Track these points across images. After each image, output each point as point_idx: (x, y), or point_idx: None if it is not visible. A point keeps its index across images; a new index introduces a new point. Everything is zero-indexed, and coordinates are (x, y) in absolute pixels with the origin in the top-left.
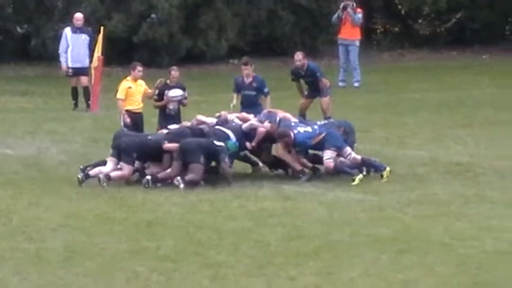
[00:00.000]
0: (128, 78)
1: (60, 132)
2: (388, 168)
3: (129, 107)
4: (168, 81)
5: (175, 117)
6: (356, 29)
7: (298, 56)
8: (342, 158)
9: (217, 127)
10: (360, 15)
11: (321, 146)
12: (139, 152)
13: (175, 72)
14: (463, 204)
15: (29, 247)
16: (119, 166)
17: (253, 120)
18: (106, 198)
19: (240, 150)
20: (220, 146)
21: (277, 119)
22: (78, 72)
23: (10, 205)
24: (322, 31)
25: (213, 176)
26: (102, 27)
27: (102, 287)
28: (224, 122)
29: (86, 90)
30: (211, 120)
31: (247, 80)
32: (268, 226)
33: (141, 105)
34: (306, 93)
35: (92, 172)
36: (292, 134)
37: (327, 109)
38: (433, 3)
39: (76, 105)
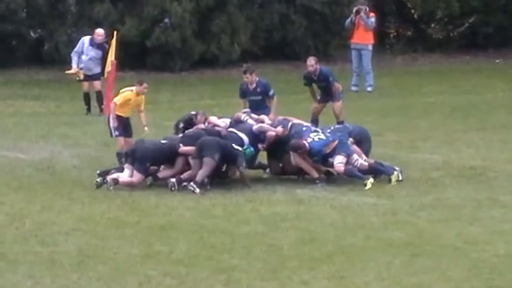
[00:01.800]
0: (133, 89)
1: (72, 137)
2: (396, 172)
3: (120, 113)
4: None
5: None
6: (369, 33)
7: (311, 61)
8: (350, 166)
9: (231, 129)
10: (372, 20)
11: (333, 153)
12: (154, 160)
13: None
14: (476, 208)
15: (42, 251)
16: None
17: (265, 122)
18: (119, 202)
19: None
20: (238, 150)
21: (289, 124)
22: (91, 77)
23: (23, 209)
24: (334, 35)
25: (226, 180)
26: (115, 32)
27: None
28: (238, 122)
29: (99, 94)
30: (225, 121)
31: (251, 86)
32: (281, 230)
33: (131, 113)
34: (318, 97)
35: (109, 178)
36: (306, 144)
37: (340, 113)
38: (446, 8)
39: (89, 110)
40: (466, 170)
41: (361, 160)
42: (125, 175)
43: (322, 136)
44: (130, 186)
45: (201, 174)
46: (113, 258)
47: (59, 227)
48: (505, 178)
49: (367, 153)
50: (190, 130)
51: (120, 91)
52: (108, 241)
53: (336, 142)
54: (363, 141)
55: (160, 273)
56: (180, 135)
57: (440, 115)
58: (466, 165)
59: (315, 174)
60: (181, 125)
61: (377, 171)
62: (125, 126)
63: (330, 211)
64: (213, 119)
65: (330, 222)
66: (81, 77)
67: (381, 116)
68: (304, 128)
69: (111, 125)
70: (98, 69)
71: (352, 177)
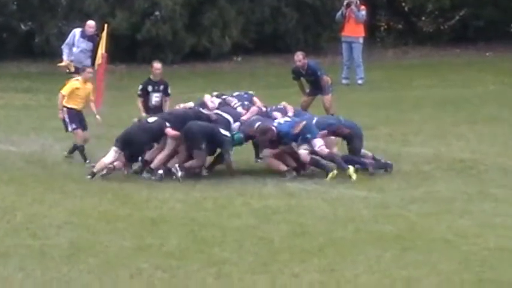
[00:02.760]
0: (78, 78)
1: (63, 130)
2: (335, 171)
3: (72, 105)
4: (151, 77)
5: (159, 109)
6: (360, 26)
7: (299, 56)
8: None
9: (217, 111)
10: (363, 13)
11: (299, 136)
12: (147, 143)
13: (157, 64)
14: (467, 201)
15: (33, 244)
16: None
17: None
18: (110, 196)
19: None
20: (226, 135)
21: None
22: (80, 70)
23: (14, 202)
24: (325, 28)
25: (216, 173)
26: (105, 25)
27: (106, 284)
28: (225, 105)
29: None
30: (214, 102)
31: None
32: (272, 223)
33: (83, 105)
34: (307, 90)
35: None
36: (273, 128)
37: (330, 107)
38: (437, 1)
39: None
40: (456, 163)
41: (323, 147)
42: (109, 158)
43: (288, 118)
44: (110, 169)
45: (189, 164)
46: (104, 251)
47: (50, 220)
48: (495, 171)
49: (359, 150)
50: (178, 109)
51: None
52: (100, 234)
53: (303, 123)
54: (354, 137)
55: (152, 266)
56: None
57: (431, 108)
58: (456, 158)
59: (283, 168)
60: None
61: (334, 162)
62: (80, 119)
63: (321, 204)
64: (206, 97)
65: (321, 215)
66: (72, 69)
67: (372, 109)
68: (270, 113)
69: (60, 116)
70: (88, 62)
71: (317, 167)
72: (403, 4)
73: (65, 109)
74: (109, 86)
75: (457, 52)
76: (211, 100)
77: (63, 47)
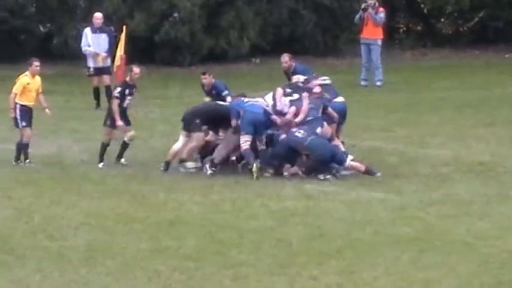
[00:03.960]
0: (27, 73)
1: (81, 131)
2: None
3: (25, 102)
4: (128, 80)
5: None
6: (378, 28)
7: (284, 57)
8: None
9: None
10: (382, 15)
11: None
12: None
13: (136, 69)
14: (485, 203)
15: (51, 245)
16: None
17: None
18: (127, 197)
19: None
20: (224, 105)
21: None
22: (101, 71)
23: (32, 204)
24: (344, 30)
25: (234, 175)
26: (124, 26)
27: (123, 286)
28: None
29: (108, 89)
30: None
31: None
32: (290, 225)
33: (34, 100)
34: None
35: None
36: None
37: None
38: (456, 2)
39: (98, 104)
40: (475, 165)
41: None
42: (179, 144)
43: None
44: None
45: (191, 148)
46: (121, 253)
47: (68, 222)
48: None
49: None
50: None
51: (16, 80)
52: (117, 236)
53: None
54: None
55: (169, 268)
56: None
57: (450, 110)
58: (475, 160)
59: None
60: None
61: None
62: (30, 117)
63: (339, 206)
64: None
65: (339, 217)
66: (101, 60)
67: (390, 111)
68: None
69: (12, 115)
70: (107, 60)
71: (245, 158)
72: (422, 6)
73: (17, 105)
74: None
75: (476, 54)
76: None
77: (83, 50)
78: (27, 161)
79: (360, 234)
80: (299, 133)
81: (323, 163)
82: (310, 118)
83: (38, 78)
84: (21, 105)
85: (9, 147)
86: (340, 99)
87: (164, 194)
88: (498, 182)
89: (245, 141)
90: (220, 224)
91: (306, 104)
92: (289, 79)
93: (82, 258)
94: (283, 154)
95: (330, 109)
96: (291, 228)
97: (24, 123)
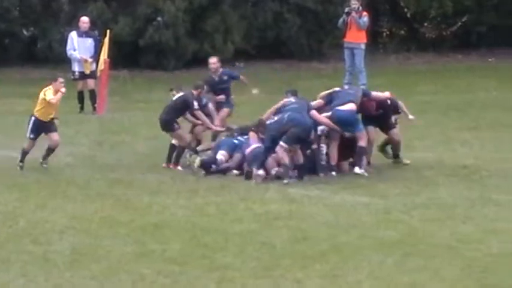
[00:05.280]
0: (50, 87)
1: (66, 135)
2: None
3: (41, 118)
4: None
5: None
6: (362, 32)
7: (213, 59)
8: None
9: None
10: (365, 19)
11: None
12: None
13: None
14: (469, 207)
15: (36, 250)
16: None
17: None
18: (112, 201)
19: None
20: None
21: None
22: (86, 75)
23: (17, 208)
24: (328, 34)
25: (219, 179)
26: (108, 31)
27: None
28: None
29: (93, 93)
30: None
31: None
32: (274, 229)
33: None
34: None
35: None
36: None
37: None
38: (439, 7)
39: (82, 108)
40: (459, 169)
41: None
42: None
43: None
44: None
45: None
46: (106, 257)
47: (53, 226)
48: (498, 177)
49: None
50: None
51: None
52: (102, 240)
53: None
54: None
55: (154, 272)
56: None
57: (435, 114)
58: (459, 164)
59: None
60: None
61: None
62: (40, 131)
63: (323, 210)
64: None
65: (323, 221)
66: (88, 65)
67: None
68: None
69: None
70: (92, 65)
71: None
72: (406, 10)
73: (33, 117)
74: (111, 91)
75: (459, 58)
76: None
77: (69, 54)
78: (21, 164)
79: (344, 237)
80: (272, 119)
81: (303, 132)
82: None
83: (59, 95)
84: (36, 119)
85: None
86: (344, 107)
87: (149, 197)
88: (482, 186)
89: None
90: (204, 227)
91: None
92: (213, 85)
93: (67, 262)
94: (271, 146)
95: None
96: (275, 231)
97: (32, 136)
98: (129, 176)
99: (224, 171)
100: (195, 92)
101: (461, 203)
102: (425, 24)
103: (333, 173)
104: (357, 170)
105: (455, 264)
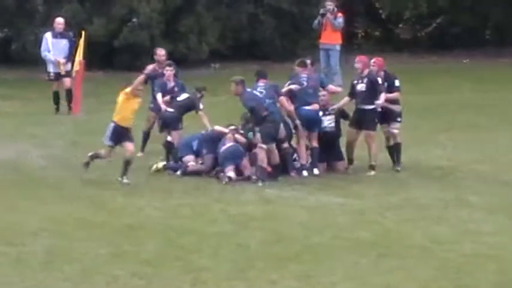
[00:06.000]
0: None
1: (40, 136)
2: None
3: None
4: None
5: None
6: (337, 33)
7: (162, 51)
8: None
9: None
10: (340, 20)
11: None
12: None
13: None
14: (443, 208)
15: (9, 251)
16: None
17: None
18: (86, 202)
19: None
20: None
21: None
22: (61, 75)
23: None
24: (303, 35)
25: (194, 181)
26: (83, 32)
27: None
28: None
29: (69, 92)
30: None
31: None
32: (249, 230)
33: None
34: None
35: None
36: None
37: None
38: (414, 8)
39: (57, 109)
40: (433, 170)
41: None
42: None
43: None
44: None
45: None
46: (80, 258)
47: (26, 228)
48: (472, 178)
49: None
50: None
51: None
52: (76, 241)
53: None
54: None
55: (128, 274)
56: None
57: (409, 115)
58: (433, 165)
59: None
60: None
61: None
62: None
63: (298, 211)
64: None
65: (298, 221)
66: (62, 67)
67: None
68: None
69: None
70: (68, 65)
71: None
72: (381, 11)
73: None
74: (86, 92)
75: (434, 59)
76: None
77: (43, 55)
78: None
79: (319, 238)
80: (259, 92)
81: (275, 131)
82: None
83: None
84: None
85: None
86: (310, 106)
87: (123, 198)
88: (455, 187)
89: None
90: (179, 229)
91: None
92: (164, 89)
93: (41, 263)
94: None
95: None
96: (250, 233)
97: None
98: (104, 177)
99: (195, 173)
100: (198, 94)
101: (435, 204)
102: (400, 25)
103: (304, 172)
104: (315, 171)
105: (429, 264)
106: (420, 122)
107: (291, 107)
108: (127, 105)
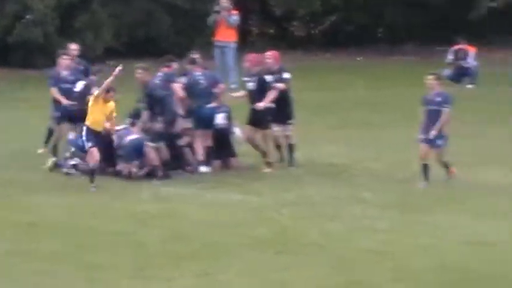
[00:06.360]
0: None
1: None
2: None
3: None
4: None
5: None
6: (231, 30)
7: (73, 45)
8: None
9: None
10: (235, 17)
11: None
12: None
13: None
14: (337, 205)
15: None
16: None
17: None
18: None
19: None
20: None
21: None
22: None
23: None
24: (199, 33)
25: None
26: None
27: None
28: None
29: None
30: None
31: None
32: (147, 228)
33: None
34: None
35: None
36: None
37: None
38: (308, 6)
39: None
40: (327, 167)
41: None
42: None
43: None
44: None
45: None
46: None
47: None
48: (365, 175)
49: None
50: None
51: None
52: None
53: None
54: None
55: (26, 271)
56: None
57: (303, 112)
58: (327, 162)
59: None
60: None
61: None
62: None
63: (197, 208)
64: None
65: (197, 219)
66: None
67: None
68: None
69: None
70: None
71: None
72: (275, 9)
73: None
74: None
75: (328, 56)
76: None
77: None
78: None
79: (217, 236)
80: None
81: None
82: None
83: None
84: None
85: None
86: (206, 104)
87: (22, 196)
88: (349, 184)
89: None
90: (78, 226)
91: None
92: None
93: None
94: None
95: None
96: (149, 231)
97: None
98: (2, 175)
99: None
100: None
101: (330, 201)
102: (294, 23)
103: (202, 168)
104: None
105: (325, 261)
106: (314, 119)
107: (182, 94)
108: (95, 108)
